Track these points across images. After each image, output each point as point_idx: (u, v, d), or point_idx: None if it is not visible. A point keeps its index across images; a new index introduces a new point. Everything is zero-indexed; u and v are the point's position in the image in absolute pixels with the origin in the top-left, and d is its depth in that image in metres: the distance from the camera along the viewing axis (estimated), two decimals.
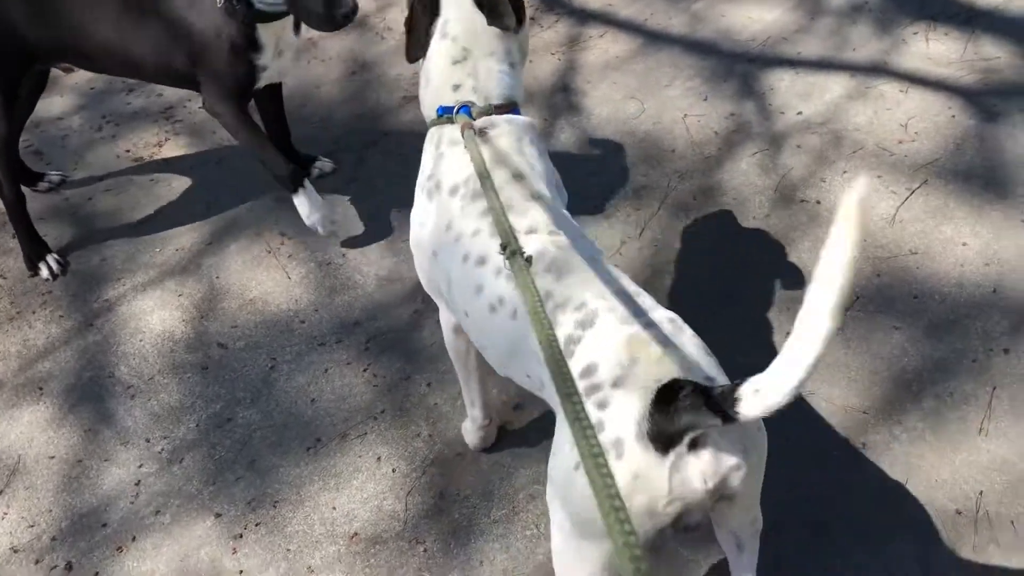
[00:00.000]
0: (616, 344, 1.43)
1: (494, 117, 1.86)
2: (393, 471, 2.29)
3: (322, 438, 2.38)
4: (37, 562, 2.20)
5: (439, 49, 1.93)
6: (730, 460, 1.36)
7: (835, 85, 3.27)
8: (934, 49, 3.36)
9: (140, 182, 3.26)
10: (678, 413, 1.29)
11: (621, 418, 1.35)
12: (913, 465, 2.16)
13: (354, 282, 2.79)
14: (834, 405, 2.29)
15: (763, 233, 2.76)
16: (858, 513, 2.08)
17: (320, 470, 2.31)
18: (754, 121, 3.17)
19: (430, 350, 2.55)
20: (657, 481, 1.33)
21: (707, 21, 3.67)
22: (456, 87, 1.90)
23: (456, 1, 1.93)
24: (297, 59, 2.75)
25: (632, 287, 1.58)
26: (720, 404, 1.25)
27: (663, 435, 1.31)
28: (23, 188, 2.96)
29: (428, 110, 1.97)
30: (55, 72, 3.11)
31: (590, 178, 3.01)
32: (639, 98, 3.33)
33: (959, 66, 3.27)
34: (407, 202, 3.02)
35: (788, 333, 2.50)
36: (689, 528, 1.42)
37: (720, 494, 1.39)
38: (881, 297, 2.53)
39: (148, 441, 2.43)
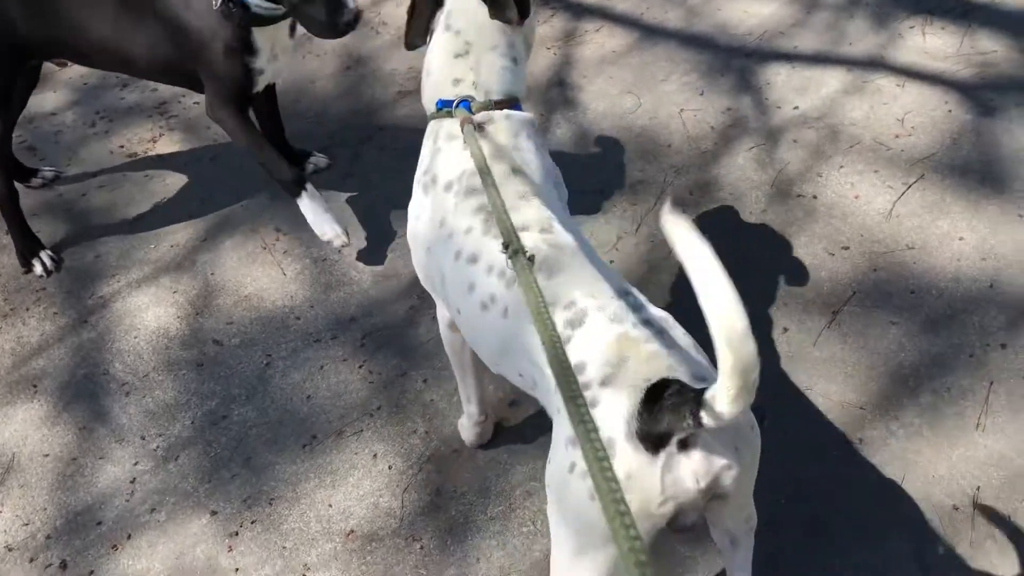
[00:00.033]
0: (605, 343, 1.42)
1: (493, 112, 1.84)
2: (389, 468, 2.28)
3: (318, 435, 2.37)
4: (32, 560, 2.19)
5: (441, 41, 1.92)
6: (721, 460, 1.35)
7: (832, 79, 3.26)
8: (931, 43, 3.36)
9: (134, 178, 3.24)
10: (663, 413, 1.28)
11: (611, 418, 1.34)
12: (910, 461, 2.15)
13: (349, 278, 2.78)
14: (831, 401, 2.29)
15: (760, 228, 2.76)
16: (855, 509, 2.08)
17: (316, 467, 2.30)
18: (750, 116, 3.16)
19: (426, 346, 2.54)
20: (649, 481, 1.32)
21: (703, 15, 3.66)
22: (456, 81, 1.89)
23: None
24: (292, 58, 2.73)
25: (623, 285, 1.57)
26: (699, 407, 1.24)
27: (652, 435, 1.30)
28: (16, 184, 2.94)
29: (428, 103, 1.96)
30: (48, 67, 3.09)
31: (586, 173, 3.00)
32: (635, 93, 3.32)
33: (955, 60, 3.26)
34: (403, 198, 3.01)
35: (785, 329, 2.51)
36: (684, 528, 1.41)
37: (713, 493, 1.38)
38: (878, 292, 2.53)
39: (143, 439, 2.42)
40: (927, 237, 2.66)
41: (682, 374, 1.35)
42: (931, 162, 2.89)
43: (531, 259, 1.48)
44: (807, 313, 2.50)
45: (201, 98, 3.18)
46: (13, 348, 2.70)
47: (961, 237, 2.65)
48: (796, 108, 3.16)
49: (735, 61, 3.41)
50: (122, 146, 3.38)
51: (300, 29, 2.61)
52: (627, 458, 1.32)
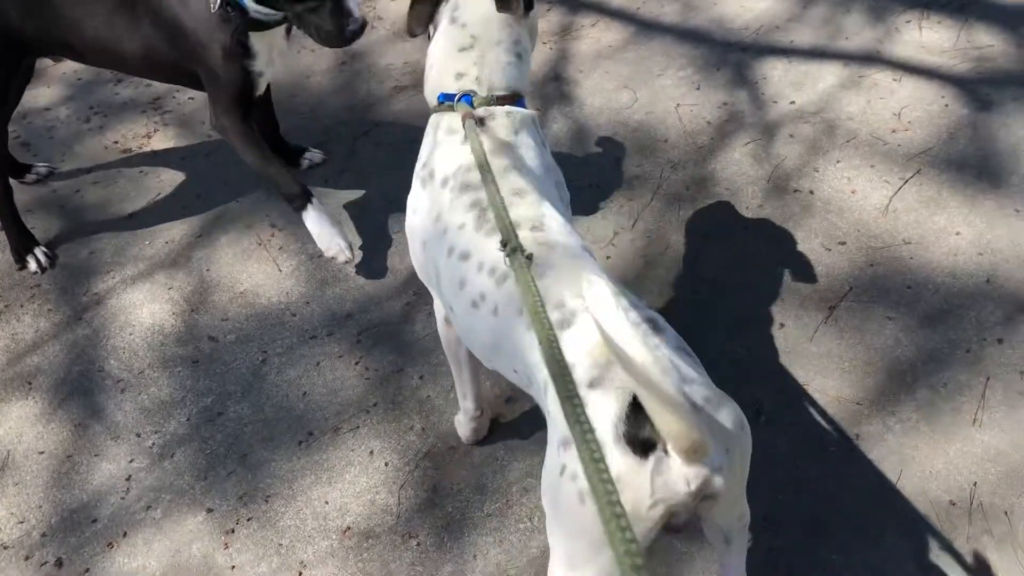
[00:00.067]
0: (593, 345, 1.40)
1: (495, 108, 1.83)
2: (386, 465, 2.27)
3: (314, 432, 2.36)
4: (27, 558, 2.18)
5: (446, 34, 1.90)
6: (711, 462, 1.34)
7: (828, 74, 3.25)
8: (927, 37, 3.35)
9: (129, 174, 3.23)
10: (649, 420, 1.26)
11: (598, 420, 1.33)
12: (907, 456, 2.15)
13: (345, 274, 2.77)
14: (828, 396, 2.29)
15: (756, 223, 2.75)
16: (853, 505, 2.08)
17: (312, 464, 2.30)
18: (747, 110, 3.15)
19: (422, 343, 2.53)
20: (639, 484, 1.31)
21: (699, 9, 3.65)
22: (460, 75, 1.87)
23: None
24: (287, 53, 2.71)
25: (614, 286, 1.55)
26: None
27: (639, 440, 1.29)
28: (10, 180, 2.92)
29: (430, 96, 1.94)
30: (42, 62, 3.07)
31: (582, 169, 2.99)
32: (632, 87, 3.31)
33: (952, 55, 3.26)
34: (398, 193, 3.00)
35: (782, 324, 2.51)
36: (676, 528, 1.40)
37: (703, 494, 1.37)
38: (875, 287, 2.53)
39: (139, 436, 2.42)
40: (924, 232, 2.66)
41: (669, 379, 1.32)
42: (928, 157, 2.89)
43: (529, 257, 1.47)
44: (804, 308, 2.50)
45: (196, 93, 3.17)
46: (7, 345, 2.69)
47: (958, 232, 2.65)
48: (792, 103, 3.15)
49: (731, 56, 3.40)
50: (116, 142, 3.37)
51: (295, 30, 2.60)
52: (616, 461, 1.31)
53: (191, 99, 3.47)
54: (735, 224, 2.76)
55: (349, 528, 2.16)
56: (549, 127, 3.18)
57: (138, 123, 3.44)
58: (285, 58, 2.71)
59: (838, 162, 2.90)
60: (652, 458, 1.29)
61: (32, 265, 2.89)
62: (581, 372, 1.39)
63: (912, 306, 2.47)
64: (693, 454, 1.25)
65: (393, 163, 3.12)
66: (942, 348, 2.37)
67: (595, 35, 3.60)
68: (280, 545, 2.15)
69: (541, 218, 1.66)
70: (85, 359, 2.62)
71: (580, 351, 1.41)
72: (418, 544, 2.11)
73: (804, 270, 2.59)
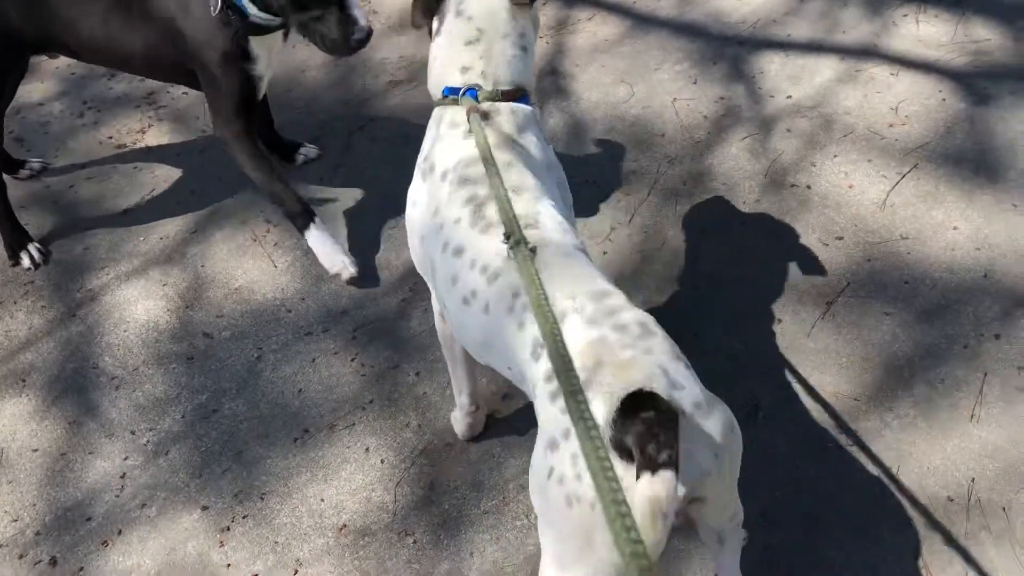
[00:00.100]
0: (582, 347, 1.39)
1: (499, 104, 1.82)
2: (382, 462, 2.26)
3: (310, 429, 2.35)
4: (21, 557, 2.17)
5: (452, 27, 1.88)
6: (699, 467, 1.33)
7: (825, 68, 3.24)
8: (924, 31, 3.34)
9: (123, 169, 3.21)
10: (635, 429, 1.24)
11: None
12: (905, 452, 2.15)
13: None
14: (825, 392, 2.28)
15: (753, 219, 2.74)
16: (851, 502, 2.07)
17: (308, 461, 2.28)
18: (744, 105, 3.14)
19: (418, 339, 2.52)
20: (626, 489, 1.29)
21: (696, 3, 3.63)
22: (465, 69, 1.86)
23: None
24: (282, 49, 2.70)
25: (605, 286, 1.52)
26: (671, 431, 1.23)
27: (624, 445, 1.27)
28: (3, 175, 2.90)
29: (434, 89, 1.93)
30: (35, 57, 3.04)
31: (579, 164, 2.98)
32: (628, 82, 3.30)
33: (949, 48, 3.25)
34: (394, 188, 3.00)
35: (779, 320, 2.50)
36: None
37: (692, 497, 1.36)
38: (872, 283, 2.52)
39: (133, 433, 2.40)
40: (921, 227, 2.65)
41: (658, 385, 1.31)
42: (925, 151, 2.88)
43: (533, 250, 1.46)
44: (801, 304, 2.49)
45: (190, 88, 3.14)
46: (1, 342, 2.67)
47: (955, 227, 2.64)
48: (789, 97, 3.14)
49: (728, 50, 3.38)
50: (111, 137, 3.35)
51: (292, 32, 2.58)
52: None
53: (185, 94, 3.45)
54: (732, 219, 2.75)
55: (345, 526, 2.15)
56: (545, 122, 3.17)
57: (132, 118, 3.42)
58: (281, 57, 2.69)
59: (835, 157, 2.89)
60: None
61: (26, 261, 2.87)
62: None
63: (909, 301, 2.47)
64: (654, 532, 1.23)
65: (389, 158, 3.11)
66: (940, 344, 2.36)
67: (591, 29, 3.58)
68: (276, 543, 2.14)
69: (536, 215, 1.65)
70: (79, 356, 2.61)
71: (569, 352, 1.40)
72: (414, 542, 2.10)
73: (801, 265, 2.59)
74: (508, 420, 2.30)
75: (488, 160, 1.60)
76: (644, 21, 3.59)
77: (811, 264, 2.58)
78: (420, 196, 1.84)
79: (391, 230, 2.84)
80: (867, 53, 3.28)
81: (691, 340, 2.43)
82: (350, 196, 2.99)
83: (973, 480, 2.08)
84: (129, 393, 2.49)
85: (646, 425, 1.23)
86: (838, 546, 2.00)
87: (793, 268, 2.58)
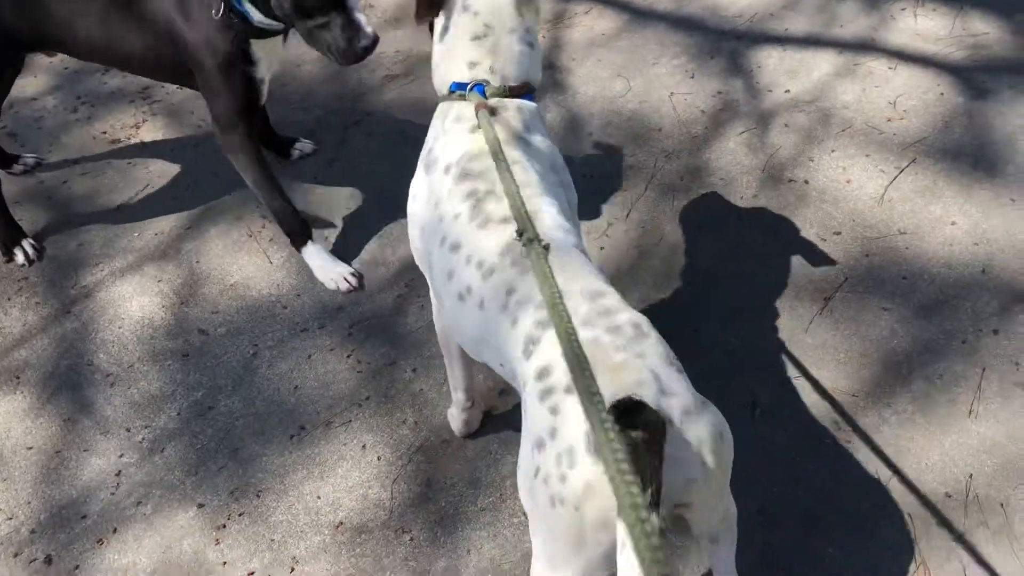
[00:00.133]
0: None
1: (506, 100, 1.81)
2: (378, 459, 2.25)
3: (306, 426, 2.34)
4: (16, 555, 2.16)
5: (460, 23, 1.86)
6: (685, 475, 1.31)
7: (823, 62, 3.23)
8: (922, 25, 3.33)
9: (117, 165, 3.19)
10: (622, 433, 1.23)
11: (572, 426, 1.30)
12: (903, 448, 2.14)
13: None
14: (823, 388, 2.27)
15: (751, 214, 2.73)
16: (848, 498, 2.07)
17: (304, 459, 2.27)
18: (741, 99, 3.13)
19: (415, 335, 2.51)
20: (609, 494, 1.26)
21: None
22: (472, 64, 1.84)
23: None
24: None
25: (600, 286, 1.51)
26: (659, 442, 1.21)
27: None
28: None
29: (440, 85, 1.91)
30: (32, 55, 3.02)
31: (576, 158, 2.96)
32: (625, 76, 3.28)
33: (947, 42, 3.24)
34: (390, 184, 2.99)
35: (777, 315, 2.49)
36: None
37: (678, 503, 1.35)
38: (870, 278, 2.51)
39: (128, 430, 2.39)
40: (919, 222, 2.64)
41: (648, 391, 1.29)
42: (923, 146, 2.87)
43: (546, 248, 1.45)
44: (799, 299, 2.48)
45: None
46: None
47: (953, 222, 2.63)
48: (787, 91, 3.13)
49: (726, 44, 3.37)
50: (105, 132, 3.33)
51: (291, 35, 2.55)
52: (587, 469, 1.28)
53: (179, 88, 3.43)
54: (729, 214, 2.74)
55: (342, 523, 2.14)
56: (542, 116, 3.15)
57: (126, 113, 3.40)
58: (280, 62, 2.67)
59: (833, 151, 2.88)
60: None
61: (19, 258, 2.86)
62: (559, 376, 1.36)
63: (908, 297, 2.46)
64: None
65: (384, 153, 3.09)
66: (938, 339, 2.36)
67: (588, 23, 3.57)
68: (272, 540, 2.13)
69: (536, 213, 1.64)
70: (74, 353, 2.59)
71: (559, 354, 1.38)
72: (411, 539, 2.10)
73: (799, 261, 2.58)
74: (505, 417, 2.29)
75: (499, 156, 1.58)
76: (641, 15, 3.57)
77: (809, 259, 2.58)
78: (422, 190, 1.83)
79: (387, 226, 2.82)
80: (865, 47, 3.27)
81: (688, 336, 2.42)
82: (345, 191, 2.97)
83: (971, 476, 2.08)
84: (124, 390, 2.48)
85: (633, 452, 1.20)
86: (836, 543, 2.00)
87: (791, 263, 2.58)
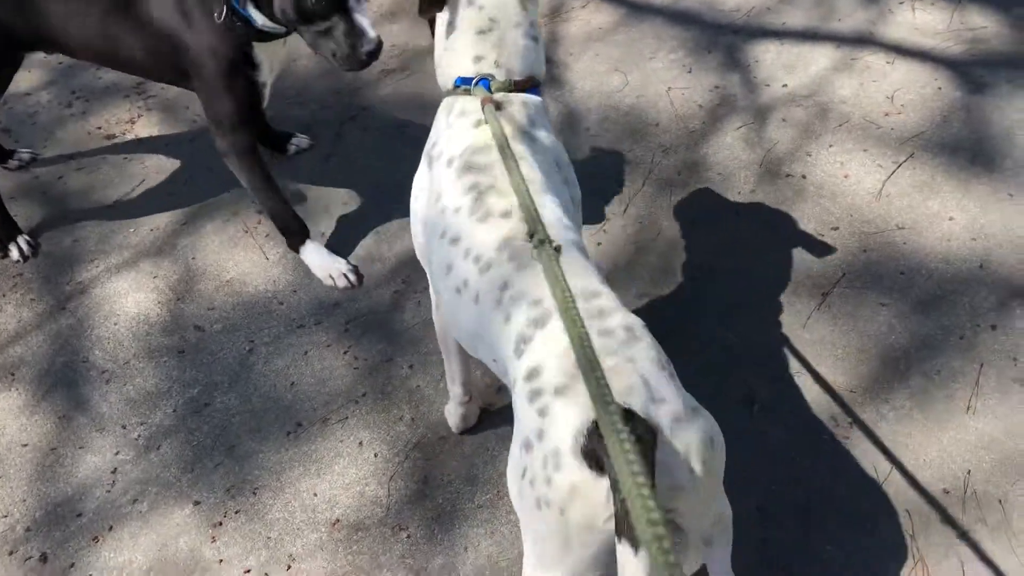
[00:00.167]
0: (563, 350, 1.35)
1: (512, 95, 1.79)
2: (375, 456, 2.25)
3: (302, 423, 2.34)
4: (11, 553, 2.15)
5: (464, 17, 1.84)
6: (673, 482, 1.29)
7: (821, 57, 3.22)
8: (920, 19, 3.32)
9: (113, 160, 3.18)
10: (603, 442, 1.22)
11: (559, 429, 1.29)
12: (901, 444, 2.14)
13: None
14: (820, 384, 2.27)
15: (749, 209, 2.72)
16: (846, 494, 2.06)
17: (300, 456, 2.27)
18: (739, 94, 3.12)
19: (412, 331, 2.50)
20: (594, 498, 1.26)
21: None
22: (478, 59, 1.82)
23: None
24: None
25: (596, 286, 1.48)
26: (646, 452, 1.20)
27: (596, 456, 1.24)
28: None
29: (445, 80, 1.89)
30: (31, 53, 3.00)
31: (573, 153, 2.95)
32: (622, 71, 3.27)
33: (945, 36, 3.23)
34: (386, 178, 2.97)
35: (774, 311, 2.48)
36: None
37: (667, 508, 1.34)
38: (868, 273, 2.50)
39: (124, 427, 2.38)
40: (917, 217, 2.64)
41: (637, 398, 1.27)
42: (921, 140, 2.86)
43: (557, 249, 1.43)
44: (796, 295, 2.47)
45: None
46: None
47: (951, 217, 2.62)
48: (785, 86, 3.12)
49: (723, 38, 3.36)
50: (100, 127, 3.31)
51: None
52: (572, 472, 1.27)
53: None
54: (727, 210, 2.73)
55: (338, 520, 2.13)
56: None
57: (121, 108, 3.38)
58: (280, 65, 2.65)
59: (831, 146, 2.88)
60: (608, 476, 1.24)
61: (14, 254, 2.84)
62: (548, 378, 1.34)
63: (905, 292, 2.45)
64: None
65: (380, 148, 3.08)
66: (935, 334, 2.35)
67: (585, 17, 3.55)
68: (268, 538, 2.12)
69: (537, 209, 1.62)
70: (69, 349, 2.58)
71: (550, 354, 1.37)
72: (408, 536, 2.09)
73: (797, 256, 2.57)
74: (502, 413, 2.29)
75: (506, 152, 1.57)
76: (638, 9, 3.56)
77: (806, 255, 2.57)
78: (424, 184, 1.82)
79: (383, 221, 2.81)
80: (863, 41, 3.26)
81: (686, 332, 2.42)
82: (342, 187, 2.96)
83: (969, 472, 2.07)
84: (120, 387, 2.47)
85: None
86: (834, 539, 1.99)
87: (788, 259, 2.57)
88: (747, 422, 2.21)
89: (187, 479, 2.26)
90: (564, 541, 1.32)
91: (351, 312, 2.58)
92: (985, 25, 3.25)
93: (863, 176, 2.77)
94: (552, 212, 1.63)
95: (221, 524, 2.16)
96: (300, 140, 3.11)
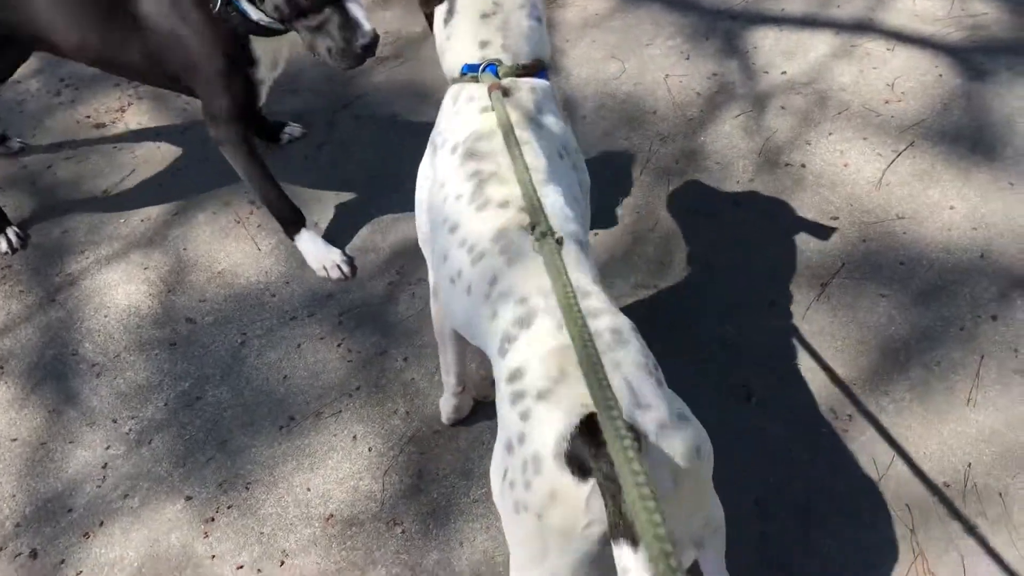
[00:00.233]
0: (547, 353, 1.32)
1: (520, 80, 1.75)
2: (369, 450, 2.22)
3: (295, 416, 2.31)
4: (0, 550, 2.12)
5: (467, 2, 1.81)
6: (657, 490, 1.27)
7: (820, 43, 3.18)
8: (920, 5, 3.28)
9: (102, 150, 3.13)
10: (590, 449, 1.19)
11: (540, 433, 1.25)
12: (900, 437, 2.12)
13: None
14: (819, 376, 2.24)
15: (747, 198, 2.69)
16: (845, 487, 2.04)
17: (294, 450, 2.24)
18: (737, 81, 3.08)
19: (406, 323, 2.47)
20: (574, 503, 1.23)
21: None
22: (484, 43, 1.78)
23: None
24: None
25: (586, 285, 1.45)
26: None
27: (578, 461, 1.21)
28: None
29: (451, 68, 1.84)
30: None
31: None
32: (619, 58, 3.23)
33: (946, 23, 3.19)
34: (380, 167, 2.93)
35: (773, 302, 2.46)
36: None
37: None
38: (868, 264, 2.48)
39: (115, 422, 2.35)
40: (917, 206, 2.61)
41: (621, 403, 1.21)
42: (921, 128, 2.83)
43: (559, 242, 1.39)
44: (795, 286, 2.45)
45: None
46: None
47: (952, 206, 2.60)
48: (784, 73, 3.08)
49: (721, 24, 3.32)
50: (89, 116, 3.27)
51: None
52: (552, 477, 1.23)
53: None
54: (725, 199, 2.70)
55: (332, 515, 2.11)
56: None
57: (111, 96, 3.34)
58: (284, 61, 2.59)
59: (830, 134, 2.84)
60: (591, 480, 1.21)
61: (2, 245, 2.80)
62: (531, 380, 1.30)
63: (905, 283, 2.43)
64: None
65: (374, 136, 3.04)
66: (936, 325, 2.33)
67: (582, 3, 3.51)
68: (261, 533, 2.09)
69: (540, 200, 1.59)
70: (59, 342, 2.55)
71: (534, 356, 1.33)
72: (403, 531, 2.07)
73: (796, 246, 2.54)
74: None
75: (511, 142, 1.53)
76: None
77: (806, 245, 2.54)
78: (428, 171, 1.79)
79: (377, 211, 2.78)
80: (862, 28, 3.22)
81: (683, 325, 2.39)
82: (335, 176, 2.92)
83: (969, 465, 2.05)
84: (110, 380, 2.44)
85: (608, 456, 1.16)
86: (832, 533, 1.97)
87: (787, 249, 2.54)
88: (745, 415, 2.18)
89: (179, 474, 2.23)
90: (542, 546, 1.29)
91: (345, 304, 2.55)
92: (985, 12, 3.21)
93: (863, 165, 2.74)
94: (554, 202, 1.59)
95: (213, 519, 2.13)
96: (293, 129, 3.07)
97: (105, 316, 2.60)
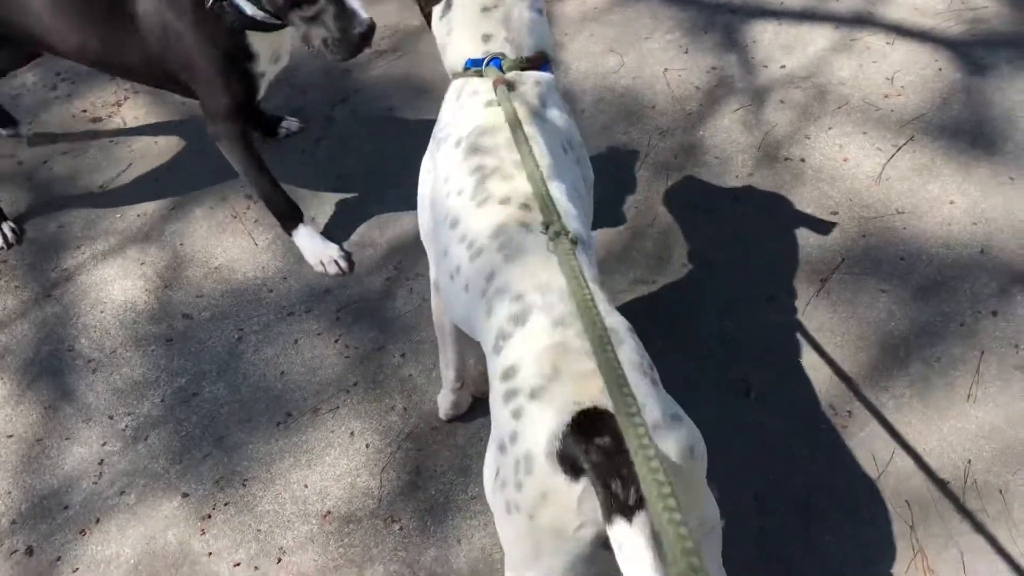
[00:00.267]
0: (541, 350, 1.30)
1: (524, 73, 1.74)
2: (367, 446, 2.21)
3: (292, 413, 2.30)
4: None
5: None
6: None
7: (819, 37, 3.16)
8: None
9: (99, 144, 3.12)
10: (582, 449, 1.17)
11: (532, 432, 1.24)
12: (900, 433, 2.11)
13: None
14: (819, 371, 2.23)
15: (746, 193, 2.68)
16: (845, 484, 2.03)
17: (291, 446, 2.23)
18: (736, 75, 3.06)
19: (403, 319, 2.46)
20: (565, 504, 1.22)
21: None
22: (487, 37, 1.77)
23: None
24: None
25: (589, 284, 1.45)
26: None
27: (571, 461, 1.20)
28: None
29: (454, 63, 1.83)
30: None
31: None
32: (618, 51, 3.21)
33: (946, 16, 3.17)
34: (378, 163, 2.92)
35: (772, 298, 2.45)
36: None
37: None
38: (867, 259, 2.46)
39: (111, 418, 2.34)
40: (917, 201, 2.59)
41: (612, 400, 1.23)
42: (921, 123, 2.82)
43: (574, 241, 1.38)
44: (795, 281, 2.43)
45: None
46: None
47: (952, 201, 2.58)
48: (783, 67, 3.07)
49: (720, 18, 3.30)
50: (85, 110, 3.25)
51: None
52: (544, 476, 1.22)
53: None
54: (724, 194, 2.69)
55: (329, 512, 2.10)
56: None
57: (107, 90, 3.32)
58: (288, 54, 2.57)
59: (830, 129, 2.83)
60: (583, 481, 1.19)
61: None
62: (525, 378, 1.29)
63: (905, 278, 2.42)
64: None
65: (372, 130, 3.02)
66: (936, 321, 2.32)
67: None
68: (258, 531, 2.09)
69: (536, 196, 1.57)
70: (54, 338, 2.53)
71: (528, 354, 1.32)
72: (400, 528, 2.06)
73: (795, 242, 2.53)
74: None
75: (520, 137, 1.52)
76: None
77: (805, 240, 2.53)
78: (431, 167, 1.78)
79: (375, 205, 2.76)
80: (862, 21, 3.20)
81: (682, 319, 2.38)
82: (332, 170, 2.91)
83: (969, 462, 2.04)
84: (106, 376, 2.43)
85: (604, 455, 1.15)
86: (832, 529, 1.96)
87: (787, 245, 2.53)
88: (744, 410, 2.17)
89: (175, 470, 2.22)
90: (534, 547, 1.28)
91: (342, 299, 2.53)
92: (986, 5, 3.20)
93: (862, 159, 2.72)
94: (556, 199, 1.58)
95: (210, 516, 2.12)
96: (290, 123, 3.05)
97: (101, 312, 2.58)
